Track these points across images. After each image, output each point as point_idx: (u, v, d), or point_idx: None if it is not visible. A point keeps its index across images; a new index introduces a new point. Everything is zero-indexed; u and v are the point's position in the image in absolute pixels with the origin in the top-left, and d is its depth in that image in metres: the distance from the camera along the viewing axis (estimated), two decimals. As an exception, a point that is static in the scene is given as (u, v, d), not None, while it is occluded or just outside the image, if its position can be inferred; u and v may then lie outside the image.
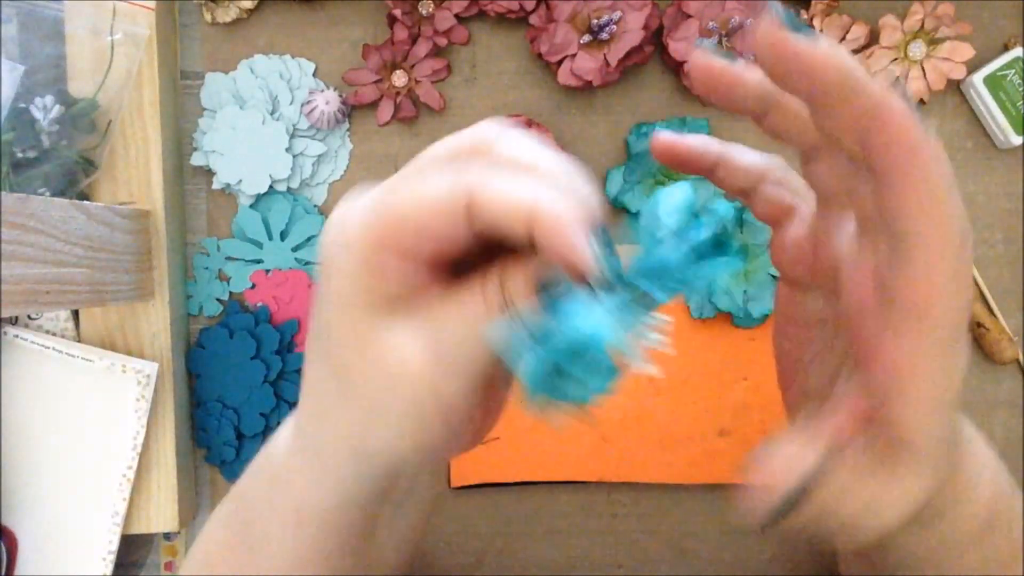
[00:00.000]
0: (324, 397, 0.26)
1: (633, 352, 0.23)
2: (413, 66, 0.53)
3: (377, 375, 0.24)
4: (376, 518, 0.31)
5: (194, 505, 0.55)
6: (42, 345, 0.50)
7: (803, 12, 0.53)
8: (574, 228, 0.22)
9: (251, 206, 0.54)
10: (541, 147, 0.24)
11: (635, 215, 0.53)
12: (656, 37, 0.53)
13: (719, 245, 0.24)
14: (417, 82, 0.53)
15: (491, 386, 0.28)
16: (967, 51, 0.52)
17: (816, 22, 0.53)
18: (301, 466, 0.28)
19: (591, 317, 0.22)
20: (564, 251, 0.22)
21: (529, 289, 0.23)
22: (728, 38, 0.51)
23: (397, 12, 0.51)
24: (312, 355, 0.27)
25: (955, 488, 0.29)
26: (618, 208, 0.54)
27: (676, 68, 0.53)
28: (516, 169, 0.23)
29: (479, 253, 0.24)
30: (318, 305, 0.26)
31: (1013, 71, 0.52)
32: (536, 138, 0.25)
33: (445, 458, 0.27)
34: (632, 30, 0.50)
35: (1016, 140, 0.52)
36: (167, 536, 0.56)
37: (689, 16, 0.51)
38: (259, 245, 0.55)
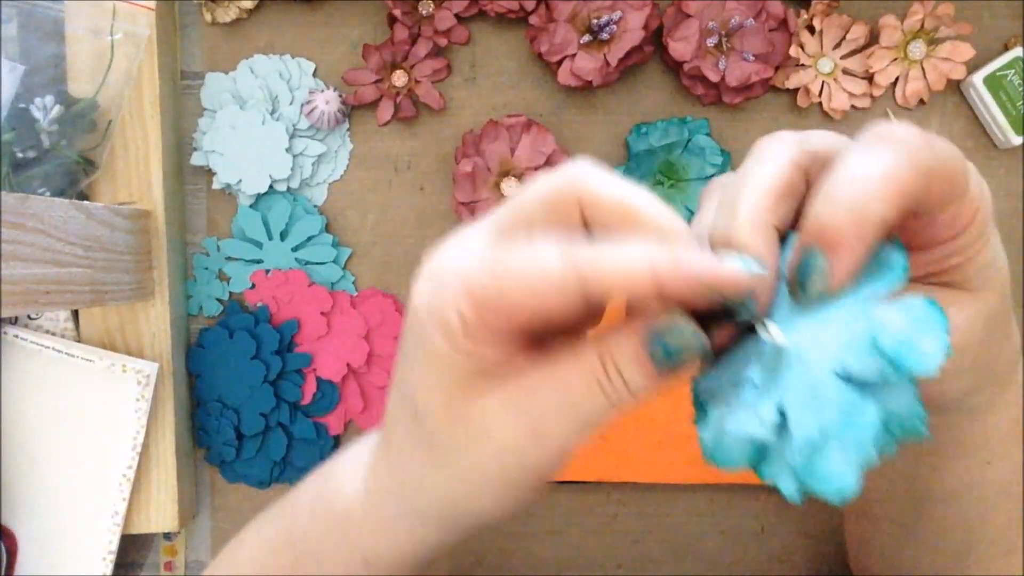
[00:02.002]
0: (413, 463, 0.26)
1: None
2: (413, 66, 0.53)
3: (471, 447, 0.24)
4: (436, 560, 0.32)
5: (194, 505, 0.55)
6: (42, 345, 0.50)
7: (803, 12, 0.53)
8: (702, 260, 0.21)
9: (251, 206, 0.54)
10: (632, 189, 0.24)
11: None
12: (656, 37, 0.53)
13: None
14: (417, 82, 0.53)
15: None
16: (967, 51, 0.52)
17: (816, 22, 0.53)
18: (378, 522, 0.29)
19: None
20: (709, 279, 0.22)
21: (641, 355, 0.23)
22: (728, 38, 0.51)
23: (397, 12, 0.51)
24: (397, 414, 0.27)
25: (1004, 389, 0.31)
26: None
27: (676, 68, 0.53)
28: (621, 230, 0.23)
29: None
30: (406, 365, 0.26)
31: (1013, 71, 0.52)
32: (623, 180, 0.24)
33: None
34: (632, 30, 0.50)
35: (1016, 140, 0.52)
36: (167, 536, 0.56)
37: (689, 16, 0.51)
38: (259, 245, 0.55)
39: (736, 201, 0.25)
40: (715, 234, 0.25)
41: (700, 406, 0.24)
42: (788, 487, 0.21)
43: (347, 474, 0.30)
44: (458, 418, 0.24)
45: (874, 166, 0.23)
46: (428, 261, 0.25)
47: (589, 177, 0.24)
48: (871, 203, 0.22)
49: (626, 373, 0.23)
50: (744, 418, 0.21)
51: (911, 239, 0.26)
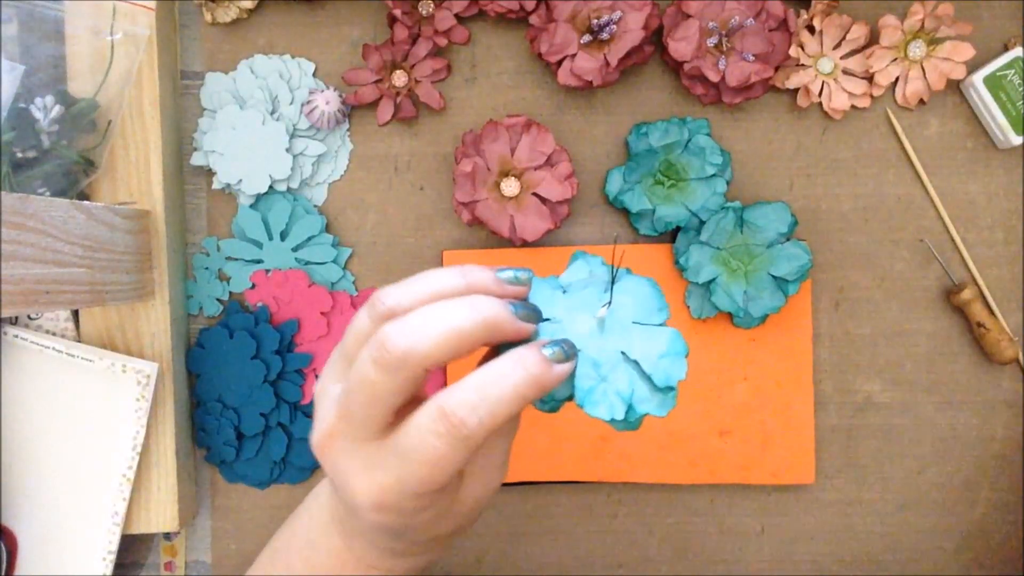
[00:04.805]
0: (381, 553, 0.35)
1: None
2: (413, 66, 0.53)
3: (470, 505, 0.34)
4: None
5: (194, 505, 0.55)
6: (42, 345, 0.50)
7: (803, 12, 0.53)
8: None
9: (251, 206, 0.54)
10: (422, 315, 0.29)
11: (636, 215, 0.53)
12: (656, 37, 0.53)
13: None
14: (417, 82, 0.53)
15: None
16: (967, 51, 0.52)
17: (816, 22, 0.53)
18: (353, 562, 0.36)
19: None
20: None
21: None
22: (728, 38, 0.51)
23: (397, 12, 0.51)
24: (352, 529, 0.35)
25: None
26: (618, 208, 0.54)
27: (676, 68, 0.53)
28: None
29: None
30: (398, 541, 0.34)
31: (1013, 71, 0.52)
32: (402, 293, 0.31)
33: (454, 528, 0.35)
34: (632, 30, 0.50)
35: (1016, 140, 0.52)
36: (167, 536, 0.56)
37: (689, 16, 0.51)
38: (259, 245, 0.55)
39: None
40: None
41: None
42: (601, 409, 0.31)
43: (314, 521, 0.38)
44: (455, 515, 0.33)
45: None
46: (354, 499, 0.31)
47: (416, 347, 0.28)
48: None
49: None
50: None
51: None
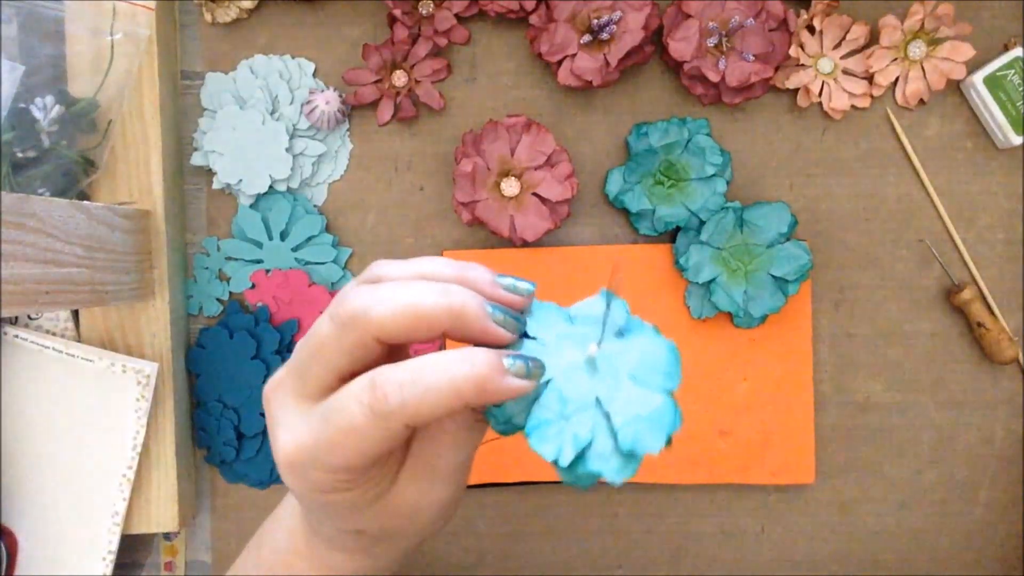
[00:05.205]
0: (344, 553, 0.35)
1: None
2: (413, 66, 0.53)
3: (407, 517, 0.32)
4: None
5: (194, 505, 0.55)
6: (42, 345, 0.50)
7: (803, 12, 0.53)
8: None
9: (251, 206, 0.54)
10: (411, 290, 0.28)
11: (636, 215, 0.53)
12: (656, 37, 0.53)
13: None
14: (417, 82, 0.53)
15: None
16: (967, 51, 0.52)
17: (816, 22, 0.53)
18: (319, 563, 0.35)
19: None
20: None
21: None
22: (728, 38, 0.51)
23: (397, 12, 0.51)
24: (318, 519, 0.34)
25: None
26: (618, 208, 0.54)
27: (676, 68, 0.53)
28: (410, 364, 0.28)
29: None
30: (313, 507, 0.32)
31: (1013, 71, 0.52)
32: (397, 283, 0.29)
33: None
34: (632, 30, 0.50)
35: (1016, 140, 0.52)
36: (167, 536, 0.56)
37: (689, 16, 0.51)
38: (259, 245, 0.55)
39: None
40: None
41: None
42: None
43: (284, 524, 0.37)
44: (390, 509, 0.31)
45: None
46: (275, 448, 0.30)
47: (371, 310, 0.27)
48: None
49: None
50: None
51: None
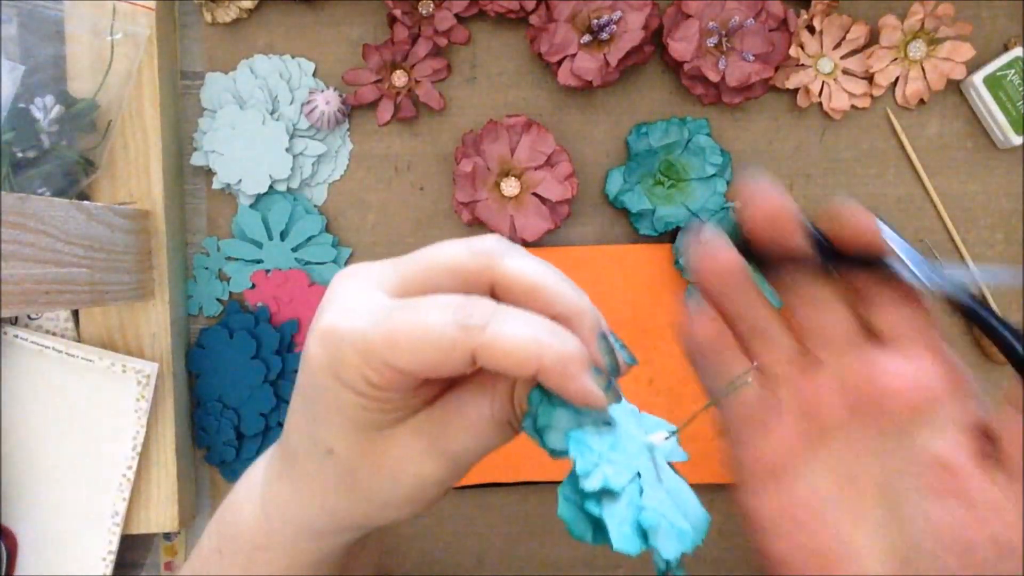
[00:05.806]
0: (326, 493, 0.29)
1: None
2: (413, 66, 0.53)
3: (390, 476, 0.28)
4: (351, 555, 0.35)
5: (194, 505, 0.55)
6: (42, 345, 0.50)
7: (803, 12, 0.53)
8: (576, 373, 0.25)
9: (251, 206, 0.54)
10: (543, 268, 0.26)
11: (636, 215, 0.53)
12: (656, 37, 0.53)
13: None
14: (417, 82, 0.53)
15: None
16: (967, 51, 0.52)
17: (816, 22, 0.53)
18: (280, 543, 0.32)
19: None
20: (574, 395, 0.25)
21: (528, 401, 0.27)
22: (728, 38, 0.51)
23: (397, 12, 0.51)
24: (308, 451, 0.29)
25: None
26: (618, 208, 0.54)
27: (676, 68, 0.53)
28: (518, 311, 0.26)
29: None
30: (313, 414, 0.28)
31: (1013, 71, 0.52)
32: (535, 258, 0.27)
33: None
34: (632, 30, 0.50)
35: (1016, 140, 0.52)
36: (167, 536, 0.56)
37: (689, 16, 0.51)
38: (259, 245, 0.55)
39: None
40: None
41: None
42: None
43: (245, 505, 0.33)
44: (375, 453, 0.28)
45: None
46: (320, 320, 0.26)
47: (503, 258, 0.26)
48: None
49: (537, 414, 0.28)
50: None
51: None
